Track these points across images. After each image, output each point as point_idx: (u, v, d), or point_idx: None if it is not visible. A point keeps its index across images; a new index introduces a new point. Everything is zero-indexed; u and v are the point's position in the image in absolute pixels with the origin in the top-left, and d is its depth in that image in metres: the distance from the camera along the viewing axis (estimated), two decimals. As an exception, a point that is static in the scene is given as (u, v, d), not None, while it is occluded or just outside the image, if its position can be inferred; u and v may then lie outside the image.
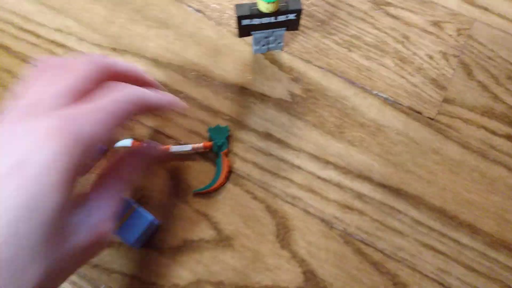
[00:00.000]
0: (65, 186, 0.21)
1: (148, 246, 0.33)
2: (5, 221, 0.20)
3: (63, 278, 0.24)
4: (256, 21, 0.35)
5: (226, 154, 0.36)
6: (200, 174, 0.36)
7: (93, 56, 0.26)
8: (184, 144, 0.36)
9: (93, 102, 0.24)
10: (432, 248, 0.34)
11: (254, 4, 0.34)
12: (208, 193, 0.35)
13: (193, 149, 0.35)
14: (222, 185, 0.35)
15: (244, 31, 0.37)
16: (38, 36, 0.41)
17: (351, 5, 0.43)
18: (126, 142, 0.35)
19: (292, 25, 0.37)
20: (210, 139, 0.36)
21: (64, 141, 0.21)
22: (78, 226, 0.23)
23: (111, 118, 0.23)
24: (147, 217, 0.32)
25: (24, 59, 0.40)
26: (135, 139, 0.35)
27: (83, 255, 0.24)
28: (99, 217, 0.25)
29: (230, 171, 0.36)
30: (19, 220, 0.20)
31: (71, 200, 0.22)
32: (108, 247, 0.26)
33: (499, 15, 0.44)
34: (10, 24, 0.41)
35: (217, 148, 0.35)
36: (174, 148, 0.34)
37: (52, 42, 0.40)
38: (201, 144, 0.35)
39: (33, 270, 0.21)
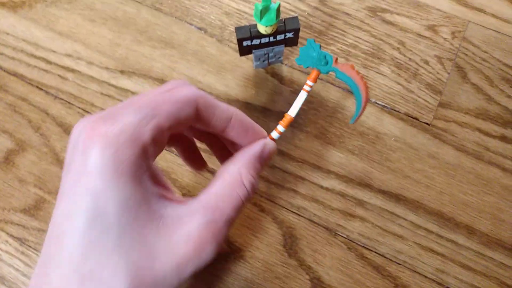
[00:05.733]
0: (124, 180, 0.20)
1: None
2: (78, 232, 0.19)
3: None
4: (256, 42, 0.37)
5: (337, 60, 0.28)
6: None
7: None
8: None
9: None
10: (430, 250, 0.36)
11: (254, 25, 0.36)
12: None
13: (308, 91, 0.29)
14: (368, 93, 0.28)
15: (245, 51, 0.38)
16: (49, 62, 0.43)
17: (347, 14, 0.45)
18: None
19: (291, 42, 0.38)
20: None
21: (100, 140, 0.20)
22: (171, 219, 0.22)
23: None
24: None
25: (38, 86, 0.42)
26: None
27: (181, 258, 0.21)
28: (206, 217, 0.22)
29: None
30: (88, 227, 0.19)
31: (149, 192, 0.21)
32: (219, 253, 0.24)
33: (493, 15, 0.45)
34: (22, 52, 0.43)
35: (325, 67, 0.28)
36: (291, 113, 0.29)
37: (63, 67, 0.42)
38: (310, 83, 0.28)
39: (118, 282, 0.19)
